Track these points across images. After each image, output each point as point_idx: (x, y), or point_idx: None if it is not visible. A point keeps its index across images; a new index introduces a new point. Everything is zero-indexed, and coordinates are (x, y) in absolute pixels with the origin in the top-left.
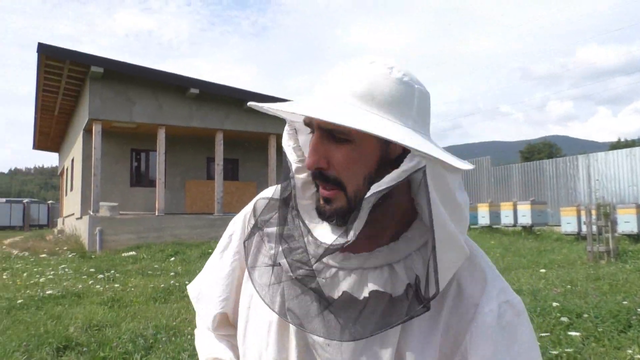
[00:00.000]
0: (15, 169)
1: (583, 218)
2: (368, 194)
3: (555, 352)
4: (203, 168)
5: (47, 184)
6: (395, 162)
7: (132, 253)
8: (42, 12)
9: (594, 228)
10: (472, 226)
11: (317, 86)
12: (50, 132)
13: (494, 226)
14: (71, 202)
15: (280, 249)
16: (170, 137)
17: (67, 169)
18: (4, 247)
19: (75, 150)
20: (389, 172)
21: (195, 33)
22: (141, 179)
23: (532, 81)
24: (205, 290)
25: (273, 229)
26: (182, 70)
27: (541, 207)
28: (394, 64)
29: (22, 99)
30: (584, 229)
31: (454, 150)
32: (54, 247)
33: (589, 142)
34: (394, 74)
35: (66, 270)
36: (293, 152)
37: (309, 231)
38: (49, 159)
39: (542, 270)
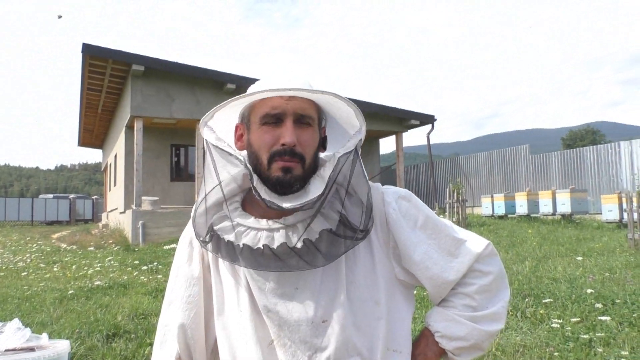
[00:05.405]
0: (61, 166)
1: (625, 205)
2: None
3: (586, 337)
4: None
5: (91, 179)
6: (322, 144)
7: (174, 245)
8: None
9: (635, 215)
10: (509, 215)
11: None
12: (94, 129)
13: (532, 215)
14: (114, 197)
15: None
16: None
17: (110, 165)
18: (53, 241)
19: (118, 146)
20: (321, 151)
21: (230, 27)
22: (181, 173)
23: (574, 66)
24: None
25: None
26: (219, 66)
27: (581, 195)
28: None
29: (67, 97)
30: (626, 216)
31: (491, 138)
32: (99, 241)
33: (637, 128)
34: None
35: (112, 262)
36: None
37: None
38: (92, 156)
39: (579, 258)
